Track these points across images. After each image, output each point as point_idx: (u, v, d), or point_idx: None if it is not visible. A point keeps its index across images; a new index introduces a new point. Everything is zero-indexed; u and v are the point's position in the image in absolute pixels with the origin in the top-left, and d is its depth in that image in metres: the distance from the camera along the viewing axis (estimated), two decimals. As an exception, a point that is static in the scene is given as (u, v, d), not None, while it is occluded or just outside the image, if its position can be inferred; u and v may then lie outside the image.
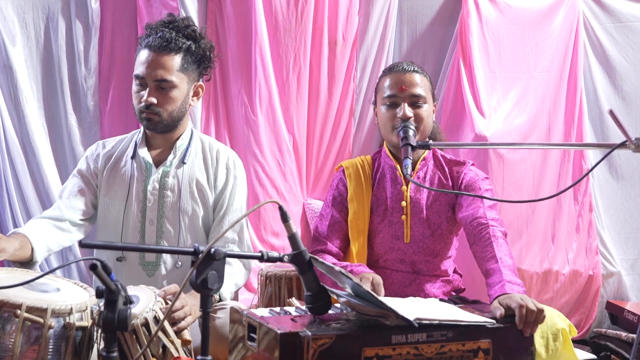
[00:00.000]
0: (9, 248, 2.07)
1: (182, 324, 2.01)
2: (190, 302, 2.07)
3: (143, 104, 2.37)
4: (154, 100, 2.36)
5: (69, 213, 2.40)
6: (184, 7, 3.19)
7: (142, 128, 2.54)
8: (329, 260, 2.44)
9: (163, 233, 2.44)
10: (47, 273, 1.87)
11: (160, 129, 2.43)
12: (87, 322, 1.83)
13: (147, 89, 2.37)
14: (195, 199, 2.46)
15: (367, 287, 2.09)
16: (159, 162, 2.48)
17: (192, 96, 2.49)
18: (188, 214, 2.45)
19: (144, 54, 2.39)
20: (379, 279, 2.17)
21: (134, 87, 2.43)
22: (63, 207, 2.41)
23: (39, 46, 3.13)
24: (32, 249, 2.19)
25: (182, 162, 2.47)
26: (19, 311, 1.73)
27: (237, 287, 2.45)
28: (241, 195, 2.53)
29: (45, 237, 2.28)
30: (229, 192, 2.49)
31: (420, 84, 2.46)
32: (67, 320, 1.79)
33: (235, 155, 2.59)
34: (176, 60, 2.39)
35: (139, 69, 2.39)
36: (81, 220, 2.43)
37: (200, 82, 2.53)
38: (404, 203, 2.49)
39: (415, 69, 2.49)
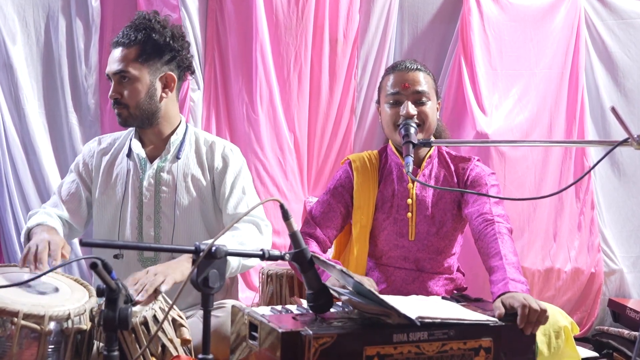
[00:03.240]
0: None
1: (161, 287, 1.99)
2: (160, 269, 2.05)
3: (112, 100, 2.41)
4: (116, 95, 2.39)
5: (69, 215, 2.44)
6: (184, 5, 3.18)
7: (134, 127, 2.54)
8: (313, 247, 2.44)
9: (160, 228, 2.44)
10: (45, 273, 1.86)
11: (136, 124, 2.43)
12: (85, 326, 1.82)
13: (111, 86, 2.41)
14: (191, 193, 2.45)
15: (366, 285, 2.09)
16: (152, 158, 2.48)
17: (164, 88, 2.44)
18: (185, 208, 2.44)
19: (110, 56, 2.44)
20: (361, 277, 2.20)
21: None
22: (64, 206, 2.44)
23: (40, 45, 3.13)
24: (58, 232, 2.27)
25: (177, 157, 2.47)
26: (16, 319, 1.72)
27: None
28: (243, 178, 2.49)
29: (60, 227, 2.34)
30: (229, 176, 2.46)
31: (423, 82, 2.45)
32: (65, 325, 1.78)
33: (232, 145, 2.56)
34: (131, 52, 2.38)
35: (107, 69, 2.44)
36: (77, 224, 2.46)
37: (169, 73, 2.44)
38: (409, 200, 2.49)
39: (418, 67, 2.49)
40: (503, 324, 1.81)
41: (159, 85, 2.42)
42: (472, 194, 2.41)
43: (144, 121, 2.42)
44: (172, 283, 2.02)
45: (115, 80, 2.38)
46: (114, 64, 2.39)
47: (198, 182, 2.46)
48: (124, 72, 2.36)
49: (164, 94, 2.43)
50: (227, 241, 2.08)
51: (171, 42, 2.43)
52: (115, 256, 2.42)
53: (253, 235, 2.33)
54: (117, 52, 2.39)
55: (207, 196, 2.47)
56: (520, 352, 1.81)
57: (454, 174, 2.51)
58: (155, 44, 2.40)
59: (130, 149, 2.48)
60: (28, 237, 2.25)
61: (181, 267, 2.10)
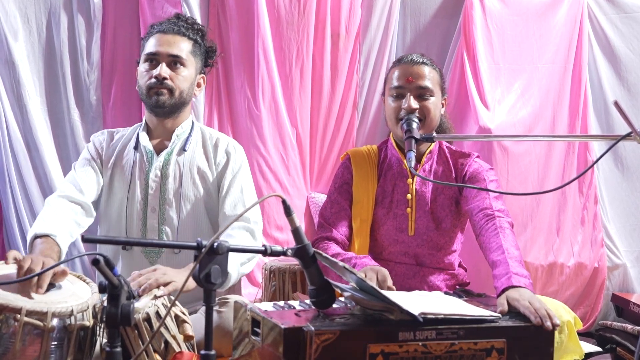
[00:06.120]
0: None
1: (164, 289, 2.01)
2: (170, 272, 2.07)
3: (154, 79, 2.42)
4: (166, 75, 2.42)
5: (88, 196, 2.42)
6: (186, 0, 3.18)
7: (144, 120, 2.55)
8: (334, 248, 2.43)
9: (165, 220, 2.45)
10: (48, 269, 1.86)
11: (168, 108, 2.46)
12: (88, 322, 1.83)
13: (160, 66, 2.43)
14: (196, 185, 2.48)
15: (373, 281, 2.08)
16: (159, 150, 2.52)
17: (197, 86, 2.57)
18: (190, 201, 2.46)
19: (155, 38, 2.48)
20: (383, 274, 2.15)
21: (143, 67, 2.48)
22: (82, 185, 2.42)
23: (41, 41, 3.13)
24: (60, 250, 2.22)
25: (183, 149, 2.50)
26: (18, 316, 1.72)
27: (244, 262, 2.35)
28: (243, 177, 2.52)
29: (69, 234, 2.30)
30: (229, 173, 2.50)
31: (428, 77, 2.45)
32: (68, 322, 1.79)
33: (235, 142, 2.61)
34: (187, 44, 2.50)
35: (152, 47, 2.47)
36: (94, 204, 2.45)
37: (203, 75, 2.60)
38: (409, 196, 2.48)
39: (425, 60, 2.48)
40: (519, 324, 1.77)
41: (196, 82, 2.55)
42: (470, 191, 2.40)
43: (174, 109, 2.48)
44: (172, 289, 2.04)
45: (166, 62, 2.44)
46: (169, 46, 2.45)
47: (204, 174, 2.50)
48: (181, 58, 2.46)
49: (195, 91, 2.57)
50: None
51: (213, 49, 2.64)
52: (124, 247, 2.45)
53: (248, 242, 2.37)
54: (171, 38, 2.46)
55: (212, 190, 2.50)
56: (536, 354, 1.74)
57: (452, 169, 2.51)
58: (203, 47, 2.57)
59: (137, 142, 2.51)
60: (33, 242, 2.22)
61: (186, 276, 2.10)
